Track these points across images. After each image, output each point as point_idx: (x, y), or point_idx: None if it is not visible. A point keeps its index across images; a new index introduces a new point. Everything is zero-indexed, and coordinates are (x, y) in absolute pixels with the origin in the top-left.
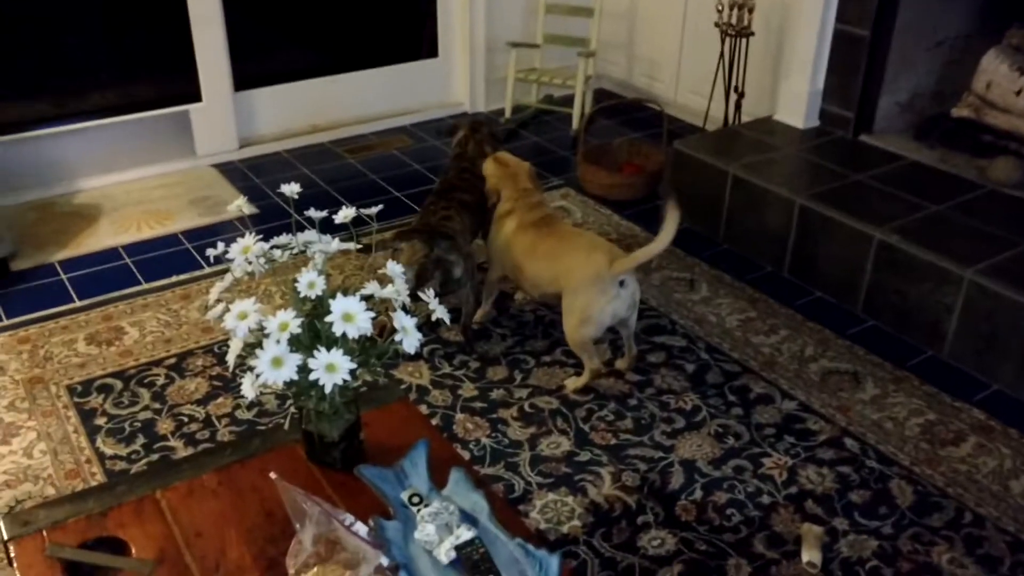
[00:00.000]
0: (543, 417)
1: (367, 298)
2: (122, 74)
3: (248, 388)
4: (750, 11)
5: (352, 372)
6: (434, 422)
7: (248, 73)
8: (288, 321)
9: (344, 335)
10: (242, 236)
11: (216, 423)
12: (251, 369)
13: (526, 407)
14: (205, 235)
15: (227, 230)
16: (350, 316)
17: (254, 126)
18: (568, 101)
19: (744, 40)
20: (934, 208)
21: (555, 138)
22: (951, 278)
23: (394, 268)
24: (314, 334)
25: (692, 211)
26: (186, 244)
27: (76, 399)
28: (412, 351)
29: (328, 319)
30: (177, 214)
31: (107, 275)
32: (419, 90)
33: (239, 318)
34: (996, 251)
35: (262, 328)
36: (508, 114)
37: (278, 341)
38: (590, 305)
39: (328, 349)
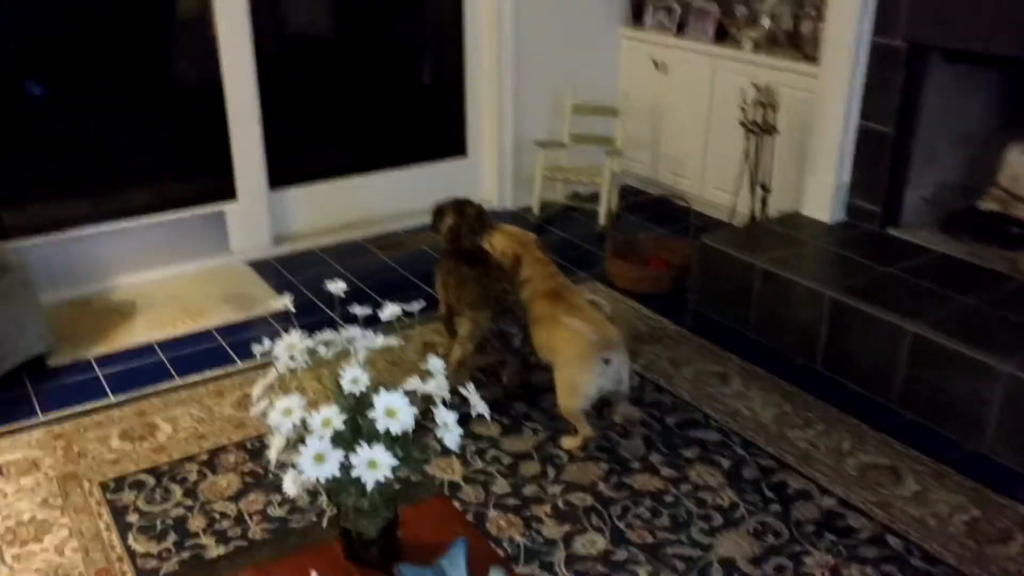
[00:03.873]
0: (578, 514)
1: (409, 394)
2: (159, 173)
3: (290, 485)
4: (774, 109)
5: (394, 469)
6: (467, 519)
7: (282, 171)
8: (331, 417)
9: (387, 431)
10: (276, 332)
11: (248, 520)
12: (293, 465)
13: (560, 504)
14: (239, 331)
15: (260, 326)
16: (393, 412)
17: (287, 223)
18: (594, 197)
19: (769, 137)
20: (966, 301)
21: (582, 234)
22: (990, 372)
23: (435, 363)
24: (355, 430)
25: (721, 304)
26: (220, 340)
27: (109, 495)
28: (454, 447)
29: (371, 415)
30: (211, 310)
31: (142, 371)
32: (448, 188)
33: (284, 414)
34: None
35: (305, 424)
36: (536, 211)
37: (321, 437)
38: (576, 380)
39: (370, 445)
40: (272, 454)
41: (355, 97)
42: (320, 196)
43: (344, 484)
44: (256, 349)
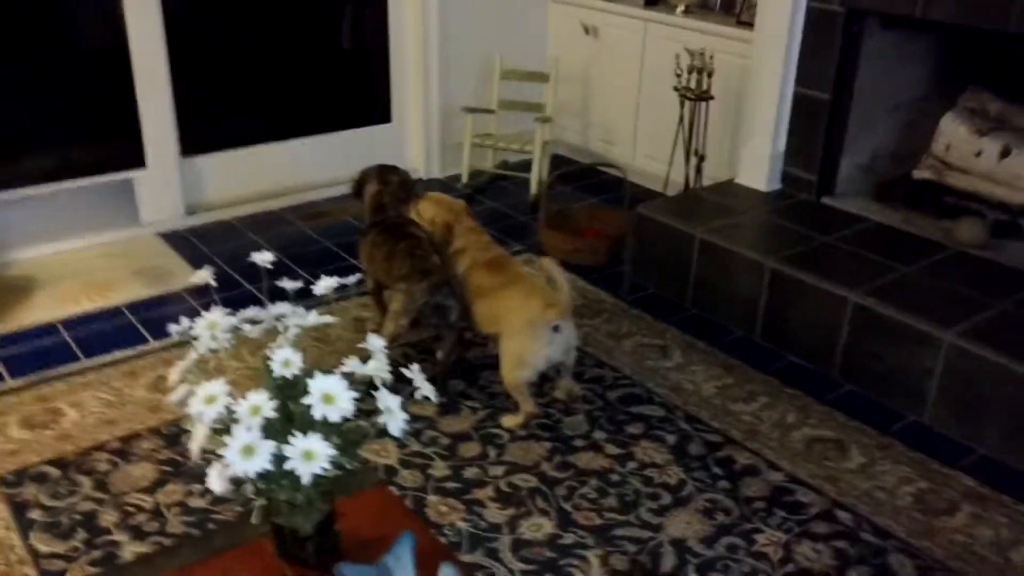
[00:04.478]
0: (522, 496)
1: (347, 376)
2: (61, 138)
3: (216, 480)
4: (709, 75)
5: (332, 459)
6: (406, 504)
7: (195, 138)
8: (261, 404)
9: (324, 419)
10: (191, 308)
11: (166, 513)
12: (219, 458)
13: (503, 486)
14: (150, 307)
15: (173, 302)
16: (331, 397)
17: (201, 193)
18: (524, 166)
19: (704, 104)
20: (905, 270)
21: (513, 203)
22: (930, 341)
23: (374, 342)
24: (286, 417)
25: (658, 275)
26: (130, 317)
27: (7, 490)
28: (398, 433)
29: (306, 401)
30: (120, 285)
31: (43, 352)
32: (373, 155)
33: (207, 402)
34: (972, 312)
35: (231, 413)
36: (465, 179)
37: (249, 427)
38: (524, 349)
39: (304, 434)
40: (194, 447)
41: (273, 59)
42: (236, 164)
43: (276, 478)
44: (173, 329)
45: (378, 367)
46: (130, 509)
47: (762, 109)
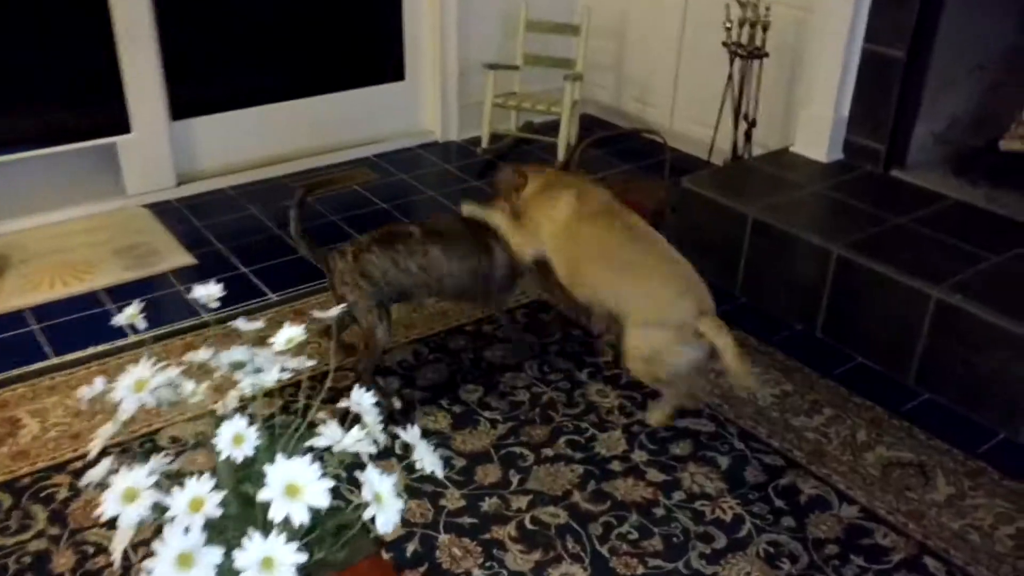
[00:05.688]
0: (549, 537)
1: (322, 452)
2: (34, 100)
3: None
4: (764, 29)
5: (302, 568)
6: (411, 547)
7: (187, 99)
8: (203, 496)
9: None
10: (178, 296)
11: (131, 556)
12: (147, 573)
13: (527, 522)
14: (132, 293)
15: (158, 287)
16: (296, 489)
17: (194, 160)
18: (550, 128)
19: (756, 62)
20: (995, 259)
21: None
22: None
23: (361, 397)
24: (244, 501)
25: (703, 258)
26: (108, 305)
27: None
28: (389, 529)
29: (263, 495)
30: (99, 266)
31: (7, 346)
32: (383, 117)
33: (126, 500)
34: None
35: (162, 509)
36: (485, 143)
37: (187, 527)
38: (666, 349)
39: (264, 533)
40: (116, 553)
41: (273, 10)
42: (233, 127)
43: None
44: (83, 393)
45: (363, 438)
46: (88, 550)
47: (824, 69)
